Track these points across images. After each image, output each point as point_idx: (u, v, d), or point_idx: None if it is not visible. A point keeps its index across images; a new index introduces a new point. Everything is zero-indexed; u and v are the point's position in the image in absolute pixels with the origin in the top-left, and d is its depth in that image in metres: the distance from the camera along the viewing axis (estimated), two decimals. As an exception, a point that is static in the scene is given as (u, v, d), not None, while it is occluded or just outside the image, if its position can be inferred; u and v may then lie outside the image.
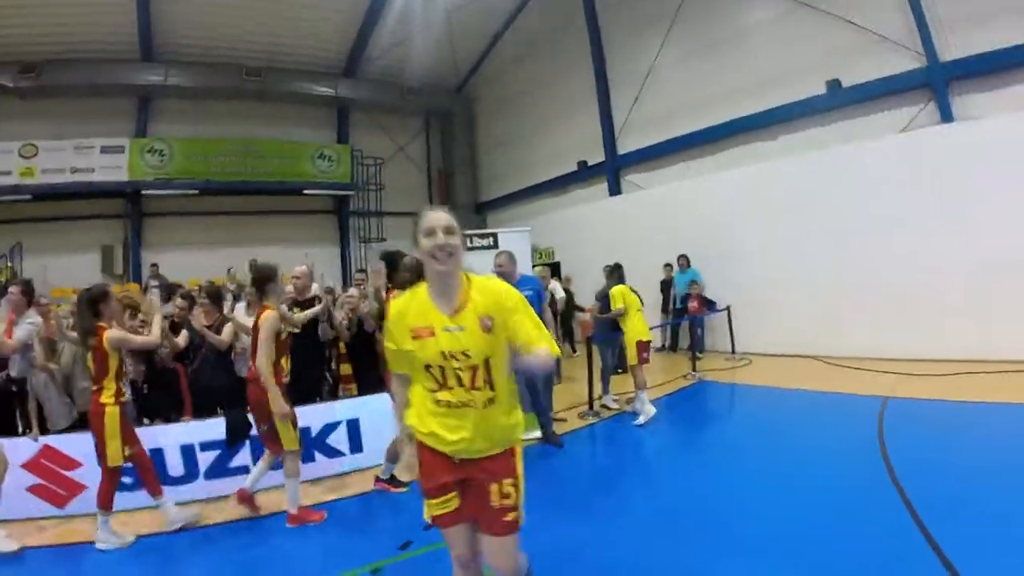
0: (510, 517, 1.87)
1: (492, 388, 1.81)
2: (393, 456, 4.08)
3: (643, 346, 5.90)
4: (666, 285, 10.07)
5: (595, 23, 12.30)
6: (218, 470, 4.36)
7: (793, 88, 8.75)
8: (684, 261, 9.53)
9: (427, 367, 1.81)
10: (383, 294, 4.56)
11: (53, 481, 4.08)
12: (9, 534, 3.62)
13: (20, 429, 4.47)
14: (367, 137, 16.02)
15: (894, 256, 7.45)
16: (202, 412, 4.65)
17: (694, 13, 10.30)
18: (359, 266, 14.01)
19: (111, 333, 3.58)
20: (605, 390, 6.54)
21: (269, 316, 3.66)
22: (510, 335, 1.78)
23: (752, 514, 3.38)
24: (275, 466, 3.93)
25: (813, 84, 8.50)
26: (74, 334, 4.28)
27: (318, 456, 4.63)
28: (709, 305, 9.24)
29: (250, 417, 4.02)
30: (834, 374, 7.02)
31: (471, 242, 7.55)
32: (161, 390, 4.93)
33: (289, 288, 5.05)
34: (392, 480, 4.21)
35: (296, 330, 4.61)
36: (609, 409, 6.35)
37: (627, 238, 10.94)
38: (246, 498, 3.93)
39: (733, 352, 8.84)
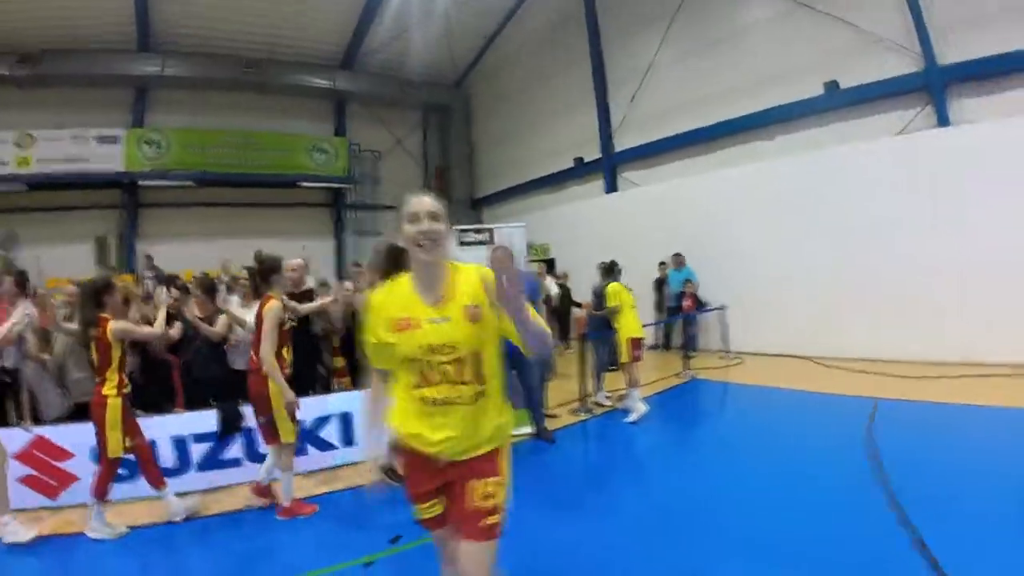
0: (490, 521, 1.72)
1: (481, 383, 1.72)
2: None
3: (636, 343, 5.92)
4: (661, 283, 10.12)
5: (594, 20, 12.26)
6: (211, 462, 4.36)
7: (791, 88, 8.74)
8: (679, 259, 9.56)
9: (410, 361, 1.71)
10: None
11: (45, 472, 4.07)
12: (21, 523, 3.57)
13: (14, 419, 4.48)
14: (365, 130, 16.00)
15: (890, 257, 7.47)
16: (195, 404, 4.64)
17: (693, 12, 10.28)
18: (354, 259, 14.01)
19: (115, 324, 3.57)
20: (598, 387, 6.58)
21: (273, 306, 3.63)
22: (500, 321, 1.69)
23: (742, 512, 3.42)
24: None
25: (811, 85, 8.50)
26: (70, 325, 4.28)
27: (311, 449, 4.64)
28: (700, 305, 9.28)
29: (244, 409, 4.02)
30: (825, 375, 7.05)
31: (466, 237, 7.53)
32: (154, 382, 4.93)
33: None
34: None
35: (294, 323, 4.61)
36: (601, 406, 6.38)
37: (623, 235, 10.92)
38: (262, 491, 3.95)
39: (727, 351, 8.87)
